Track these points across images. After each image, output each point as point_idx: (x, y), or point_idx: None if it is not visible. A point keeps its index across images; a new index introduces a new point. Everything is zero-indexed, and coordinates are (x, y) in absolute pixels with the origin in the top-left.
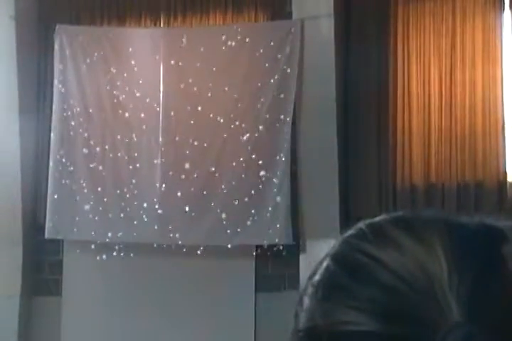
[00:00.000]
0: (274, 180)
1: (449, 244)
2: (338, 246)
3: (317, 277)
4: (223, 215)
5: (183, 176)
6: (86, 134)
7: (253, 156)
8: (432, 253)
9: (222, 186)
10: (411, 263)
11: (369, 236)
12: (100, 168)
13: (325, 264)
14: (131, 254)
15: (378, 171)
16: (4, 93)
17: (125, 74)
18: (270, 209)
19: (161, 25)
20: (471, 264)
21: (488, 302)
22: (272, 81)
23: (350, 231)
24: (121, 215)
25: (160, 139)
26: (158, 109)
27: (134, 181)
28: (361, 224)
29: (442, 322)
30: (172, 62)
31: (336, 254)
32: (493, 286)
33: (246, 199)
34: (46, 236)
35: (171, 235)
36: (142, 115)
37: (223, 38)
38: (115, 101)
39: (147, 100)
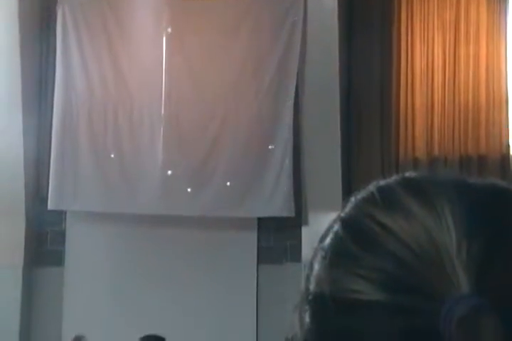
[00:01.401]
0: (277, 152)
1: (460, 211)
2: (349, 210)
3: (327, 241)
4: (225, 187)
5: (186, 147)
6: (88, 106)
7: (255, 128)
8: (441, 222)
9: (224, 158)
10: (420, 233)
11: (379, 201)
12: (103, 139)
13: (335, 228)
14: (134, 225)
15: (381, 144)
16: (6, 70)
17: (128, 44)
18: (273, 181)
19: None
20: (481, 233)
21: (497, 273)
22: (275, 51)
23: (362, 194)
24: (124, 186)
25: (162, 110)
26: (160, 79)
27: (136, 153)
28: (372, 187)
29: (450, 293)
30: (175, 31)
31: (345, 218)
32: (503, 256)
33: (248, 171)
34: (49, 207)
35: (173, 206)
36: (145, 86)
37: (226, 8)
38: (117, 71)
39: (149, 70)
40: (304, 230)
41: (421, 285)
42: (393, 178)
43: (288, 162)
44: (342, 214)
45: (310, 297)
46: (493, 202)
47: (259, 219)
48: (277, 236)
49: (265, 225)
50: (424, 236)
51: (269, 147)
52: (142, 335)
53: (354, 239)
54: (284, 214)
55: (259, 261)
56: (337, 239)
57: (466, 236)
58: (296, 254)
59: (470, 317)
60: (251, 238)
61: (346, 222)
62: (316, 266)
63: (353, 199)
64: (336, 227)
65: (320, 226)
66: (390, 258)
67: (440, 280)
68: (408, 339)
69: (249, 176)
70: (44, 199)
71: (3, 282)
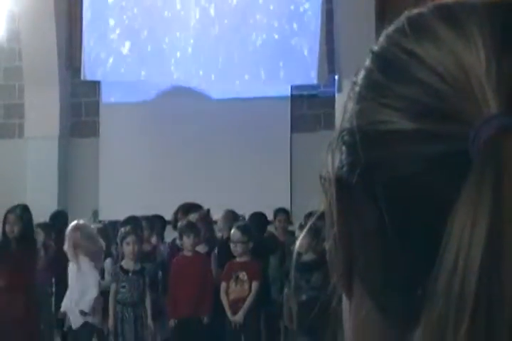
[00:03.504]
0: (309, 18)
1: (490, 32)
2: (379, 42)
3: (358, 76)
4: (256, 55)
5: (219, 19)
6: None
7: None
8: (470, 43)
9: (258, 26)
10: (447, 57)
11: (407, 28)
12: (134, 11)
13: (366, 62)
14: (168, 95)
15: None
16: None
17: None
18: (305, 48)
19: None
20: (511, 53)
21: None
22: None
23: (393, 26)
24: (157, 57)
25: None
26: None
27: (169, 22)
28: (403, 17)
29: (479, 116)
30: None
31: (376, 51)
32: None
33: (280, 39)
34: (82, 78)
35: (206, 77)
36: None
37: None
38: None
39: None
40: (338, 97)
41: (448, 111)
42: (425, 6)
43: (322, 28)
44: (373, 48)
45: (342, 133)
46: None
47: (292, 86)
48: (311, 104)
49: (299, 93)
50: (452, 59)
51: (303, 12)
52: (179, 203)
53: (382, 70)
54: (318, 81)
55: (292, 130)
56: (366, 73)
57: (495, 56)
58: (330, 122)
59: (497, 136)
60: (284, 106)
61: (376, 54)
62: (349, 104)
63: (384, 31)
64: (367, 61)
65: None
66: (417, 85)
67: (469, 104)
68: (437, 165)
69: (281, 43)
70: (77, 70)
71: (40, 153)
